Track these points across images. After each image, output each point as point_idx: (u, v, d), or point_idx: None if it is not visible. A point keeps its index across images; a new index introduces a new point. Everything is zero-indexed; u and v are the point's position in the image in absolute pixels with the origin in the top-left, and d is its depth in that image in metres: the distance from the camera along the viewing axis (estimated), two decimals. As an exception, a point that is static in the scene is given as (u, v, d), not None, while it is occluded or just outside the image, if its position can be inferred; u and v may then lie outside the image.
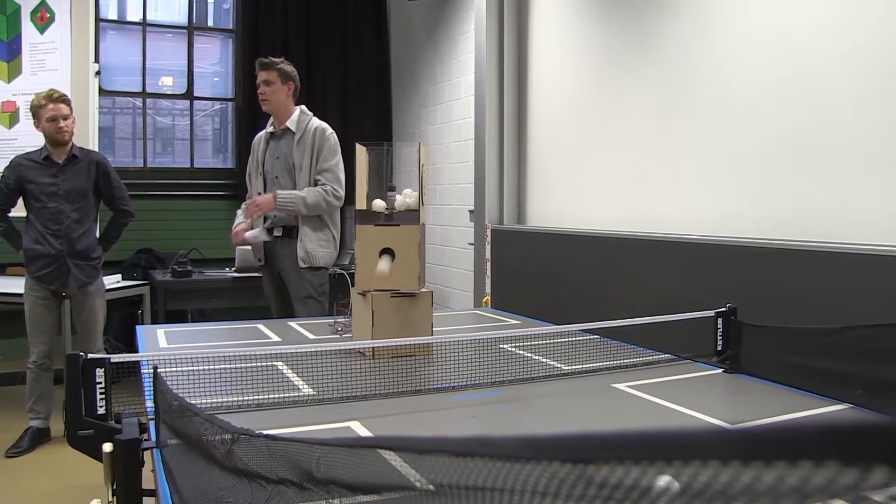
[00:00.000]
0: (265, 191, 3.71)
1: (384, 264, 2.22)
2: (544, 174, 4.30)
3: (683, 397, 1.89)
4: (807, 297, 2.40)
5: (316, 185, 3.62)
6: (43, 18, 4.79)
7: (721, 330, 2.27)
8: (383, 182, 2.60)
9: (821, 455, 0.35)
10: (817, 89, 2.57)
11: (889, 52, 2.32)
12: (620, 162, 3.59)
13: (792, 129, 2.66)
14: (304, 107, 3.74)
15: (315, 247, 3.62)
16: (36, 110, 3.83)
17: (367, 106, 6.54)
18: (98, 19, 5.69)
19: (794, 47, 2.65)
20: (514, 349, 2.46)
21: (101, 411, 1.68)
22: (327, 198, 3.57)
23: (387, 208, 2.45)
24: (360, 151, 2.47)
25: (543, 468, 0.46)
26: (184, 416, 1.08)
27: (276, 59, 3.68)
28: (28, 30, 4.85)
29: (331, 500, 0.66)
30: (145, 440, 1.51)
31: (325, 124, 3.70)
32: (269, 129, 3.74)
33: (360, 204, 2.45)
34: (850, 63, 2.45)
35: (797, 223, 2.62)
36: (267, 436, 0.76)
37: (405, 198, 2.45)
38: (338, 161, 3.65)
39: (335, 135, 3.70)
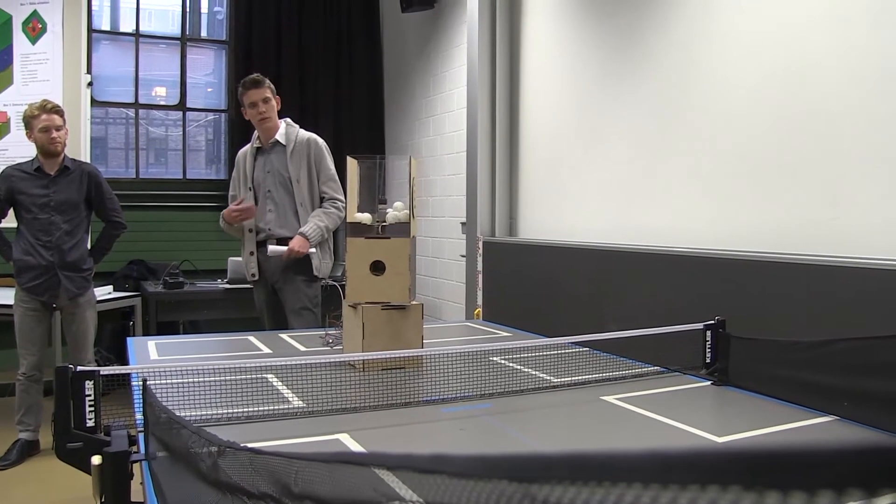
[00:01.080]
0: (256, 206, 3.72)
1: None
2: (536, 186, 4.32)
3: (671, 410, 1.91)
4: (795, 309, 2.42)
5: (322, 196, 3.66)
6: (35, 29, 4.81)
7: (710, 342, 2.29)
8: (375, 195, 2.62)
9: (754, 481, 0.37)
10: (805, 103, 2.60)
11: (879, 66, 2.35)
12: (611, 174, 3.61)
13: (781, 143, 2.69)
14: (288, 119, 3.77)
15: (320, 258, 3.68)
16: (29, 120, 3.84)
17: (359, 118, 6.56)
18: (91, 30, 5.71)
19: (783, 61, 2.69)
20: (504, 361, 2.47)
21: (91, 424, 1.69)
22: (340, 214, 3.67)
23: (376, 220, 2.46)
24: (352, 164, 2.49)
25: (494, 486, 0.49)
26: (172, 429, 1.09)
27: (263, 77, 3.72)
28: (20, 40, 4.86)
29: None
30: (134, 453, 1.51)
31: (313, 134, 3.74)
32: (256, 143, 3.75)
33: (352, 217, 2.46)
34: (838, 78, 2.48)
35: (787, 236, 2.65)
36: (250, 449, 0.77)
37: (396, 211, 2.46)
38: (336, 177, 3.72)
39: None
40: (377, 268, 2.41)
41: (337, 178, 3.72)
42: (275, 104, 3.68)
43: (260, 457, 0.75)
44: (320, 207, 3.68)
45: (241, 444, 0.80)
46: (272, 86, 3.71)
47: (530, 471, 0.48)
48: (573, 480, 0.44)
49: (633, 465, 0.42)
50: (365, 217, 2.46)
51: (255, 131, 3.75)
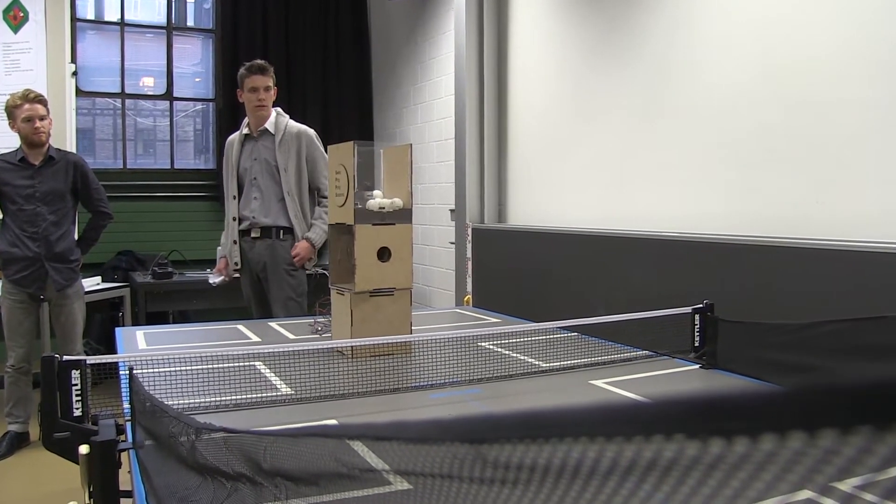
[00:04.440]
0: (240, 194, 3.70)
1: None
2: (524, 173, 4.31)
3: (659, 393, 1.91)
4: (782, 292, 2.43)
5: (317, 188, 3.66)
6: (16, 17, 4.74)
7: (698, 326, 2.30)
8: (363, 182, 2.60)
9: (697, 429, 0.38)
10: (793, 88, 2.60)
11: (863, 52, 2.35)
12: (600, 160, 3.61)
13: (768, 127, 2.69)
14: (279, 109, 3.75)
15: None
16: (11, 110, 3.79)
17: (347, 106, 6.53)
18: (74, 19, 5.65)
19: (769, 47, 2.68)
20: (493, 347, 2.47)
21: (78, 413, 1.68)
22: None
23: (381, 207, 2.46)
24: (347, 150, 2.48)
25: (447, 448, 0.49)
26: (155, 416, 1.08)
27: (269, 65, 3.69)
28: (1, 29, 4.79)
29: (278, 495, 0.68)
30: (122, 441, 1.51)
31: (304, 126, 3.72)
32: (245, 130, 3.73)
33: (349, 204, 2.44)
34: (824, 63, 2.48)
35: (774, 220, 2.65)
36: (222, 429, 0.78)
37: (377, 199, 2.46)
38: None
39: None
40: (381, 254, 2.41)
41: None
42: (273, 94, 3.67)
43: (233, 436, 0.75)
44: (318, 206, 3.67)
45: (217, 426, 0.80)
46: (274, 76, 3.70)
47: (481, 432, 0.48)
48: (522, 438, 0.45)
49: (578, 420, 0.43)
50: (376, 203, 2.45)
51: (245, 118, 3.73)
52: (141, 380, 1.57)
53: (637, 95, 3.34)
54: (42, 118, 3.80)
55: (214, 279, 3.83)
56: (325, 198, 3.65)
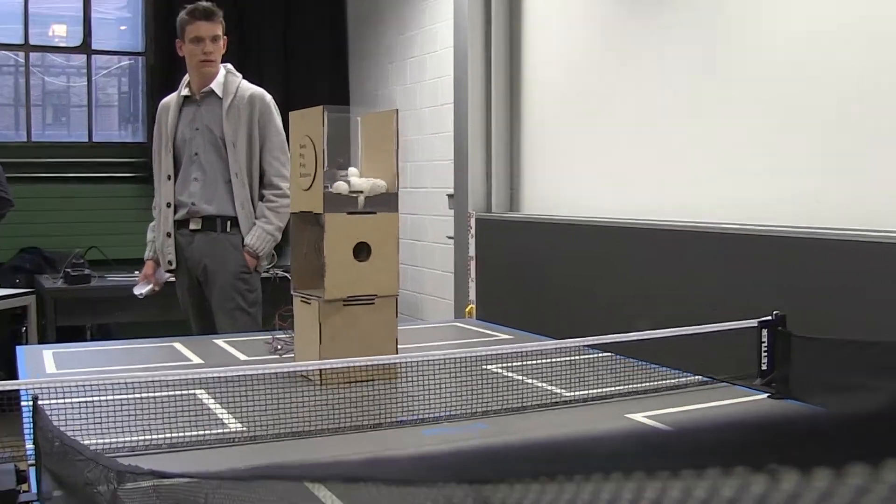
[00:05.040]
0: (176, 173, 3.68)
1: None
2: (543, 147, 4.31)
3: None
4: (875, 301, 2.42)
5: (262, 171, 3.65)
6: None
7: (766, 344, 2.29)
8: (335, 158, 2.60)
9: (728, 461, 0.37)
10: (861, 65, 2.60)
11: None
12: (636, 135, 3.61)
13: (858, 99, 2.69)
14: (230, 66, 3.73)
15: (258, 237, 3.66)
16: None
17: (315, 61, 6.54)
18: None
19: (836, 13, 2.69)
20: (502, 370, 2.47)
21: (-34, 456, 1.67)
22: (288, 202, 3.58)
23: (351, 192, 2.45)
24: (313, 117, 2.47)
25: (439, 491, 0.48)
26: (67, 459, 1.08)
27: (218, 8, 3.66)
28: None
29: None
30: (24, 493, 1.50)
31: (261, 90, 3.70)
32: (184, 91, 3.71)
33: (317, 187, 2.43)
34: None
35: (861, 211, 2.65)
36: (152, 472, 0.77)
37: (353, 180, 2.46)
38: (286, 148, 3.61)
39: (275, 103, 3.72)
40: (358, 252, 2.41)
41: (287, 149, 3.64)
42: (222, 46, 3.65)
43: (164, 482, 0.75)
44: (261, 201, 3.63)
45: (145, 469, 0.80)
46: (224, 24, 3.67)
47: (483, 469, 0.48)
48: (536, 476, 0.44)
49: (608, 450, 0.42)
50: (341, 186, 2.44)
51: (186, 76, 3.72)
52: (48, 413, 1.56)
53: (684, 56, 3.33)
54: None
55: (141, 289, 3.83)
56: (272, 187, 3.62)
